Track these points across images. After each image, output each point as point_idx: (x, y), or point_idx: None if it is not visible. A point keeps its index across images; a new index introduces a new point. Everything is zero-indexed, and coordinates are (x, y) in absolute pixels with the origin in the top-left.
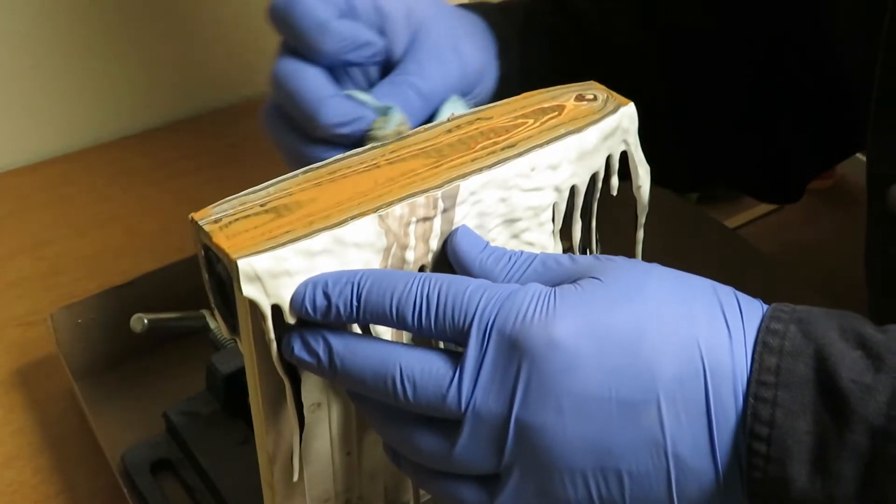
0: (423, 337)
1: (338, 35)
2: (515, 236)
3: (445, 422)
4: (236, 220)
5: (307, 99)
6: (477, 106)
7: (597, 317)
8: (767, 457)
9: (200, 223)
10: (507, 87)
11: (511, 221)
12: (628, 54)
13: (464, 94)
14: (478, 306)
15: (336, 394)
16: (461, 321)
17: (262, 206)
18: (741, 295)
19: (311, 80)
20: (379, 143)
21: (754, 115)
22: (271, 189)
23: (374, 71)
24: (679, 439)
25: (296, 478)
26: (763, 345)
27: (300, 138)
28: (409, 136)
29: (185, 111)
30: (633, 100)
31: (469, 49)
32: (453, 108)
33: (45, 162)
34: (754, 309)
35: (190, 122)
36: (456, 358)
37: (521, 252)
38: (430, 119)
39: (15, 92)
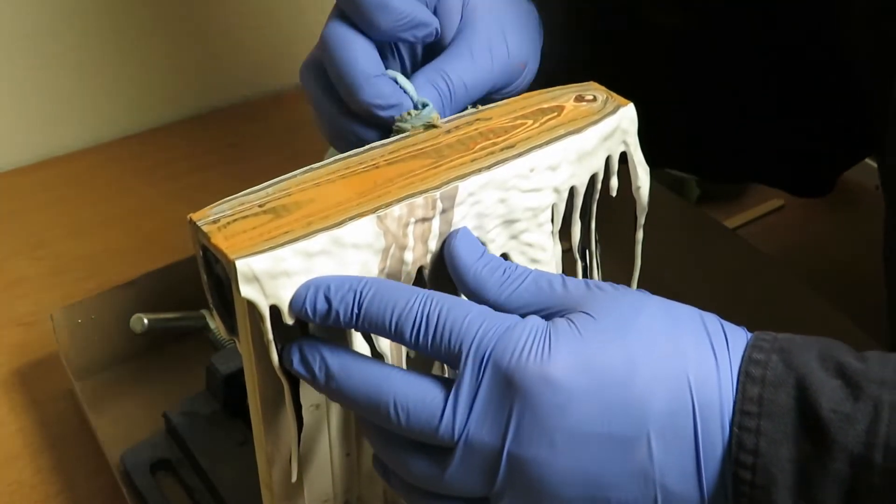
0: (419, 353)
1: (397, 14)
2: (514, 237)
3: (438, 447)
4: (235, 220)
5: (353, 73)
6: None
7: (591, 355)
8: (753, 484)
9: (199, 223)
10: (552, 72)
11: (510, 222)
12: (667, 39)
13: (504, 86)
14: (475, 336)
15: None
16: (457, 347)
17: (260, 206)
18: (726, 323)
19: (360, 54)
20: (402, 136)
21: (783, 108)
22: (270, 189)
23: (419, 47)
24: (668, 471)
25: (294, 479)
26: (746, 375)
27: (337, 104)
28: (408, 136)
29: (185, 111)
30: (665, 86)
31: (516, 41)
32: None
33: (45, 162)
34: (739, 337)
35: (190, 122)
36: (450, 385)
37: (516, 266)
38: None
39: (15, 92)
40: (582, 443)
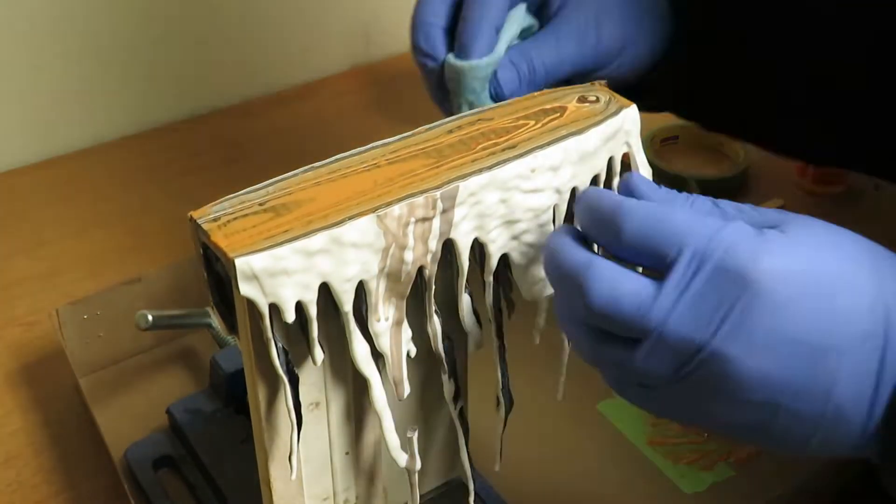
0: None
1: None
2: (515, 237)
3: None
4: (235, 218)
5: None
6: (609, 79)
7: (807, 262)
8: None
9: (199, 221)
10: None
11: (511, 223)
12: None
13: (594, 69)
14: (689, 233)
15: (335, 393)
16: (669, 247)
17: (261, 204)
18: None
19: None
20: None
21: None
22: (271, 188)
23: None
24: (844, 391)
25: (293, 477)
26: None
27: None
28: (410, 135)
29: (185, 111)
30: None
31: (610, 27)
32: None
33: (45, 162)
34: None
35: (190, 122)
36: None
37: (697, 196)
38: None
39: (15, 92)
40: (781, 346)
